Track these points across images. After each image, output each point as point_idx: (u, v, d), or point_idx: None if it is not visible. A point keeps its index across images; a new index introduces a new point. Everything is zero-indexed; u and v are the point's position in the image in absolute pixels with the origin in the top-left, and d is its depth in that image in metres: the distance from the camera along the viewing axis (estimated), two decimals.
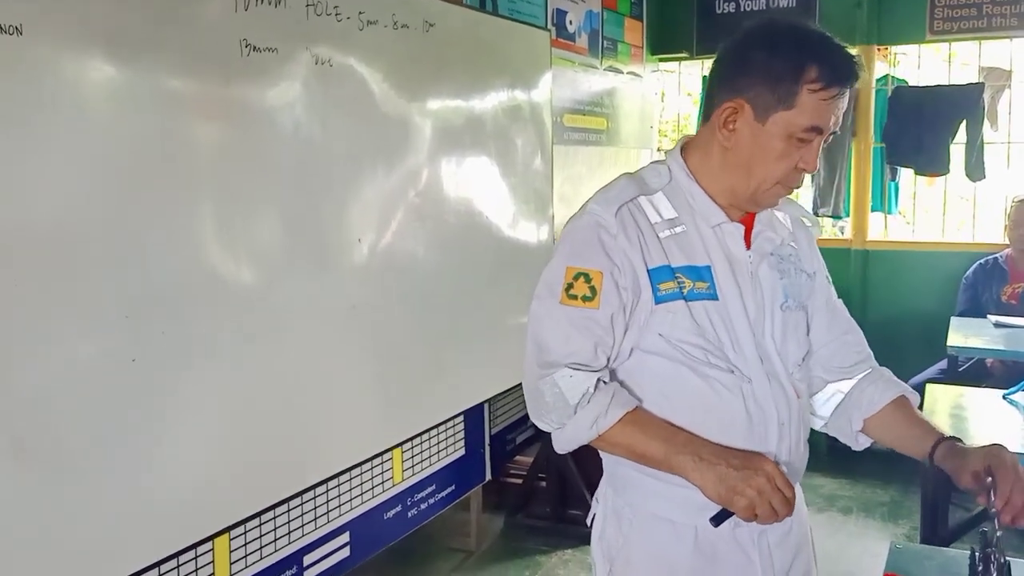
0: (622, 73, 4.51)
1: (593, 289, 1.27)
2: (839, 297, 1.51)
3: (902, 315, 4.53)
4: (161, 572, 1.83)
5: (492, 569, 3.32)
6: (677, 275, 1.29)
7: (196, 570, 1.92)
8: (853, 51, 1.28)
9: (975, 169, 4.38)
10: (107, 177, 1.69)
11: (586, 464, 3.36)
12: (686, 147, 1.38)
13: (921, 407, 1.46)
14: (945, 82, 4.62)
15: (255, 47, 2.01)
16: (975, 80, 4.49)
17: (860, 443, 1.46)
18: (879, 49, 4.66)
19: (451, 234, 2.82)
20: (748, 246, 1.35)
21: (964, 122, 4.37)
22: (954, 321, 3.83)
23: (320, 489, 2.29)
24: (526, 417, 1.37)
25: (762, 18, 1.32)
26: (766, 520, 1.20)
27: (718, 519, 1.23)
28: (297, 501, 2.21)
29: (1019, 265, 4.08)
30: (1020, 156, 4.65)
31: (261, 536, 2.10)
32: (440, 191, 2.77)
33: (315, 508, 2.27)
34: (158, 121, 1.79)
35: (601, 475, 1.46)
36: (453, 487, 2.94)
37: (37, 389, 1.58)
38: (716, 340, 1.30)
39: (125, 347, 1.73)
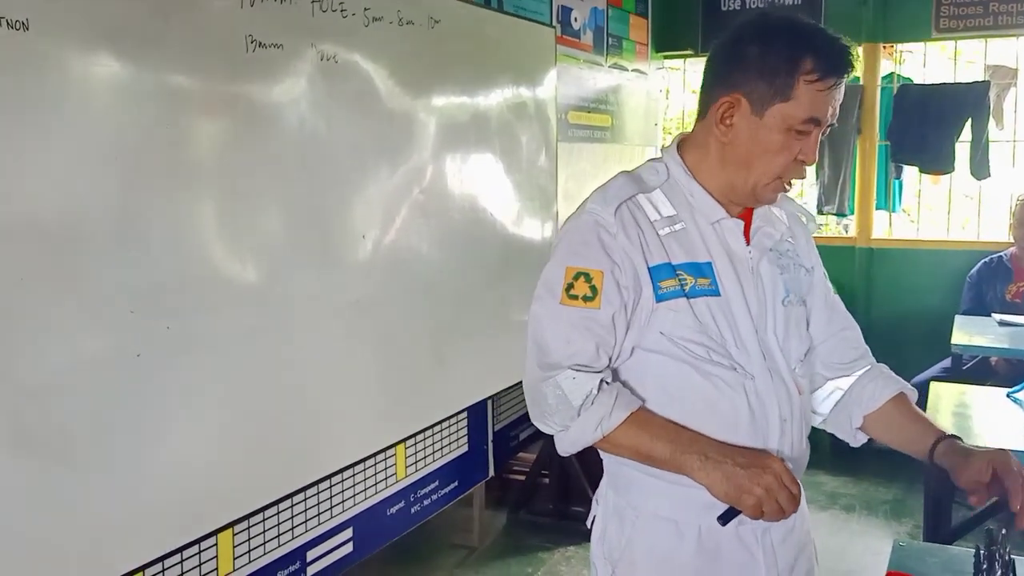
0: (627, 70, 4.50)
1: (594, 289, 1.27)
2: (844, 295, 1.51)
3: (906, 313, 4.53)
4: (165, 566, 1.84)
5: (495, 565, 3.33)
6: (678, 272, 1.29)
7: (200, 564, 1.92)
8: (858, 48, 1.28)
9: (980, 167, 4.37)
10: (113, 172, 1.69)
11: (589, 461, 3.35)
12: (682, 144, 1.37)
13: (925, 405, 1.46)
14: (950, 80, 4.61)
15: (260, 43, 2.01)
16: (981, 78, 4.48)
17: (858, 439, 1.46)
18: (885, 47, 4.65)
19: (455, 230, 2.82)
20: (747, 242, 1.35)
21: (969, 120, 4.36)
22: (958, 319, 3.82)
23: (324, 485, 2.29)
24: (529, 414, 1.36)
25: (755, 12, 1.31)
26: (772, 518, 1.20)
27: (725, 518, 1.23)
28: (301, 496, 2.21)
29: None
30: None
31: (265, 531, 2.10)
32: (444, 187, 2.77)
33: (319, 503, 2.28)
34: (163, 116, 1.79)
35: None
36: (456, 483, 2.95)
37: (43, 383, 1.58)
38: (719, 337, 1.29)
39: (130, 342, 1.73)
